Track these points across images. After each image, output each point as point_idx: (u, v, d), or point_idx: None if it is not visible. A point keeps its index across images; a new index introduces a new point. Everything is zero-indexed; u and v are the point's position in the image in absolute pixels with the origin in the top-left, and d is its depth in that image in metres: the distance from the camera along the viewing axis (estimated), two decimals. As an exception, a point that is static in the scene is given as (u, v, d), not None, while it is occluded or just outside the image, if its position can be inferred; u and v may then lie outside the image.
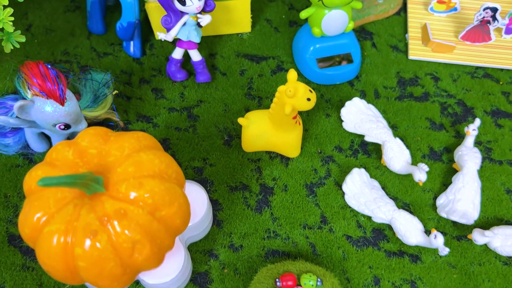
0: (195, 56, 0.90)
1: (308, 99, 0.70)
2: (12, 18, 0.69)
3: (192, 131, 0.86)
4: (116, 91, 0.86)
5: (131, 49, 0.95)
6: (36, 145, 0.81)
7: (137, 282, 0.71)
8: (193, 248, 0.74)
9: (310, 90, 0.70)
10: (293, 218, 0.77)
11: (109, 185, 0.55)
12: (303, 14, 0.85)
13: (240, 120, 0.79)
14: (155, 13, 0.92)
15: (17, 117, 0.72)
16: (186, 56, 0.91)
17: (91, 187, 0.53)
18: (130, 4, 0.86)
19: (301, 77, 0.93)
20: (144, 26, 0.98)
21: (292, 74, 0.68)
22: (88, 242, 0.52)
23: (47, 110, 0.68)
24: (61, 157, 0.57)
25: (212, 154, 0.84)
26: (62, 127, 0.70)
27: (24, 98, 0.70)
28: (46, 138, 0.83)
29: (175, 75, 0.92)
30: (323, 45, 0.90)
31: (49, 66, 0.67)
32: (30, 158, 0.82)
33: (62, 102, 0.68)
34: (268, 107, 0.88)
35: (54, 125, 0.70)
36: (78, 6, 1.03)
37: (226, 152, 0.84)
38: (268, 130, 0.79)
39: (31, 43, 0.96)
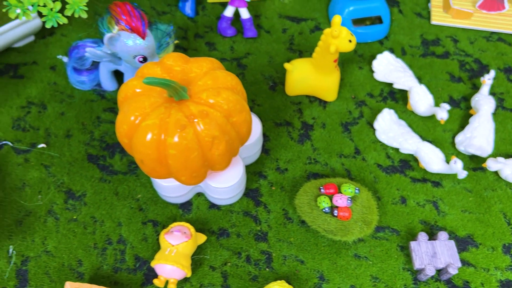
0: (245, 14, 1.02)
1: (350, 41, 0.82)
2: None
3: (241, 77, 0.99)
4: (177, 41, 0.99)
5: (186, 9, 1.08)
6: (108, 84, 0.94)
7: (199, 194, 0.83)
8: (246, 170, 0.86)
9: (351, 34, 0.82)
10: (331, 149, 0.89)
11: (192, 94, 0.68)
12: (342, -22, 0.98)
13: (286, 65, 0.91)
14: (210, -24, 1.05)
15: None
16: (235, 16, 1.04)
17: (179, 93, 0.66)
18: (191, -34, 1.00)
19: (336, 36, 1.05)
20: (197, -10, 1.11)
21: (337, 18, 0.81)
22: (178, 134, 0.64)
23: (130, 43, 0.81)
24: (151, 72, 0.69)
25: (259, 96, 0.96)
26: (141, 59, 0.83)
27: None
28: (116, 79, 0.95)
29: (225, 31, 1.05)
30: (358, 7, 1.02)
31: (135, 4, 0.80)
32: (102, 95, 0.95)
33: (143, 36, 0.80)
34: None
35: (134, 57, 0.82)
36: (138, -28, 1.16)
37: (271, 95, 0.96)
38: (310, 74, 0.91)
39: (93, 3, 1.09)
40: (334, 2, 1.07)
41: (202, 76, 0.69)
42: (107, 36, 0.79)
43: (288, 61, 1.01)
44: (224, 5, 1.11)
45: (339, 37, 0.81)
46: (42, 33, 1.03)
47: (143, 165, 0.68)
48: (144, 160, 0.67)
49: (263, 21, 1.08)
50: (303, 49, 1.03)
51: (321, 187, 0.78)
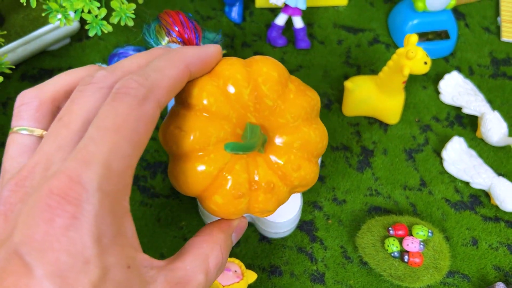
0: (298, 23, 0.94)
1: (425, 63, 0.73)
2: (152, -30, 0.75)
3: (293, 93, 0.90)
4: (225, 51, 0.91)
5: (233, 14, 1.00)
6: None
7: (249, 225, 0.76)
8: (298, 199, 0.79)
9: (427, 55, 0.74)
10: (394, 179, 0.81)
11: (269, 147, 0.50)
12: (409, -12, 0.89)
13: (346, 83, 0.83)
14: (262, -20, 0.97)
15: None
16: (286, 24, 0.95)
17: (257, 146, 0.48)
18: (243, -31, 0.91)
19: (396, 48, 0.96)
20: (245, -7, 1.03)
21: (413, 37, 0.72)
22: (230, 199, 0.49)
23: (181, 57, 0.73)
24: (237, 93, 0.48)
25: (313, 115, 0.88)
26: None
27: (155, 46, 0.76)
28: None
29: (276, 41, 0.96)
30: (422, 20, 0.93)
31: (190, 15, 0.72)
32: (143, 107, 0.88)
33: (196, 50, 0.73)
34: (367, 74, 0.92)
35: (184, 72, 0.75)
36: (181, -28, 1.08)
37: (326, 114, 0.88)
38: (373, 94, 0.83)
39: (141, 10, 1.01)
40: (395, 12, 0.98)
41: (292, 131, 0.50)
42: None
43: (345, 77, 0.92)
44: (273, 11, 1.02)
45: (414, 58, 0.72)
46: (79, 35, 0.96)
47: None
48: (181, 189, 0.51)
49: (316, 31, 0.99)
50: (361, 63, 0.94)
51: (390, 228, 0.70)
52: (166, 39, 0.73)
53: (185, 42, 0.72)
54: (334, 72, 0.93)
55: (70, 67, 0.92)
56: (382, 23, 1.01)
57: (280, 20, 0.94)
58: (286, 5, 0.91)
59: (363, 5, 1.03)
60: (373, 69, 0.93)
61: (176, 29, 0.72)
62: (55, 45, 0.94)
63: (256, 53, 0.96)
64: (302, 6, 0.90)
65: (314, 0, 1.01)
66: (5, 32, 0.83)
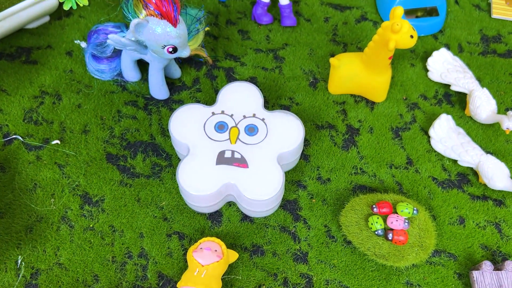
0: (284, 0, 0.91)
1: (411, 36, 0.71)
2: None
3: (278, 71, 0.88)
4: (208, 28, 0.88)
5: (217, -9, 0.97)
6: (130, 74, 0.84)
7: (230, 204, 0.74)
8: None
9: (413, 28, 0.71)
10: (380, 158, 0.79)
11: None
12: (397, -38, 0.86)
13: (332, 60, 0.80)
14: (246, -45, 0.94)
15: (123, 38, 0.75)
16: (272, 1, 0.93)
17: None
18: None
19: (385, 28, 0.94)
20: (230, -29, 1.00)
21: (398, 10, 0.70)
22: None
23: (159, 31, 0.70)
24: None
25: (298, 94, 0.86)
26: (171, 49, 0.73)
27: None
28: (140, 69, 0.85)
29: (261, 18, 0.94)
30: (411, -4, 0.91)
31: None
32: (123, 86, 0.86)
33: (175, 24, 0.70)
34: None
35: (163, 47, 0.72)
36: (164, -51, 1.05)
37: (311, 93, 0.86)
38: (359, 72, 0.80)
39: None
40: (382, -11, 0.95)
41: None
42: (133, 22, 0.69)
43: (332, 55, 0.90)
44: (259, -11, 0.99)
45: (400, 32, 0.70)
46: (58, 14, 0.93)
47: None
48: None
49: (303, 8, 0.97)
50: (348, 41, 0.92)
51: (373, 206, 0.68)
52: (144, 12, 0.70)
53: (162, 15, 0.70)
54: (320, 50, 0.91)
55: (49, 46, 0.90)
56: (370, 0, 0.98)
57: (265, -4, 0.92)
58: (271, -19, 0.89)
59: (351, -18, 1.01)
60: (360, 47, 0.91)
61: (154, 2, 0.69)
62: (34, 23, 0.91)
63: (240, 31, 0.93)
64: (287, -18, 0.88)
65: (301, -23, 0.99)
66: (-22, 7, 0.80)
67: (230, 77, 0.87)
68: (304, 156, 0.79)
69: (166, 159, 0.78)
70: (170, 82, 0.86)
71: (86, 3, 0.72)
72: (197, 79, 0.87)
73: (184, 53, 0.75)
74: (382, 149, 0.80)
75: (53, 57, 0.88)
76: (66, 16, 0.93)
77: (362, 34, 0.93)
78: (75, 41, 0.86)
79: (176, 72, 0.86)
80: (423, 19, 0.91)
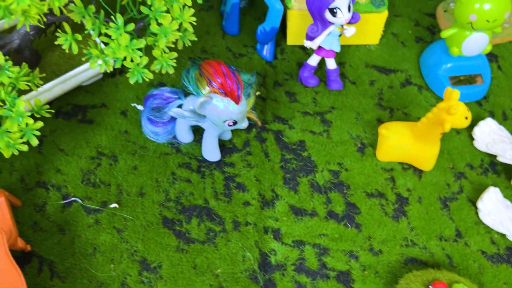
0: (331, 64, 0.94)
1: (466, 118, 0.73)
2: (194, 19, 0.75)
3: (326, 135, 0.90)
4: (258, 92, 0.91)
5: (265, 52, 1.00)
6: (185, 136, 0.87)
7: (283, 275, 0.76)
8: (333, 247, 0.78)
9: (467, 109, 0.74)
10: (429, 229, 0.81)
11: None
12: (446, 33, 0.88)
13: (382, 130, 0.83)
14: (296, 20, 0.97)
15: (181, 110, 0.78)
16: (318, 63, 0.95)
17: None
18: (278, 11, 0.91)
19: (429, 92, 0.96)
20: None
21: (455, 93, 0.72)
22: None
23: (222, 108, 0.73)
24: None
25: (346, 159, 0.88)
26: (231, 123, 0.75)
27: (193, 93, 0.76)
28: (193, 130, 0.88)
29: (308, 81, 0.96)
30: (457, 64, 0.93)
31: (231, 67, 0.73)
32: (177, 147, 0.88)
33: (238, 101, 0.73)
34: (399, 119, 0.92)
35: (224, 121, 0.75)
36: (211, 6, 1.08)
37: (359, 158, 0.88)
38: (409, 142, 0.82)
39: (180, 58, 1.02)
40: (427, 54, 0.97)
41: None
42: (199, 101, 0.71)
43: (378, 120, 0.92)
44: (304, 49, 1.02)
45: (456, 114, 0.72)
46: (112, 71, 0.96)
47: None
48: None
49: (348, 70, 0.99)
50: (394, 106, 0.94)
51: (430, 286, 0.69)
52: (207, 89, 0.73)
53: (226, 93, 0.72)
54: (367, 115, 0.93)
55: (104, 104, 0.92)
56: (414, 63, 1.00)
57: (313, 60, 0.94)
58: (320, 47, 0.91)
59: (395, 44, 1.03)
60: (406, 112, 0.93)
61: (219, 80, 0.71)
62: (89, 80, 0.94)
63: (287, 93, 0.96)
64: (337, 49, 0.90)
65: (346, 38, 1.01)
66: (43, 75, 0.83)
67: (279, 140, 0.90)
68: (356, 225, 0.81)
69: (220, 223, 0.80)
70: (221, 144, 0.88)
71: (152, 76, 0.74)
72: (247, 142, 0.90)
73: (243, 125, 0.78)
74: (431, 220, 0.82)
75: (108, 117, 0.91)
76: (120, 74, 0.97)
77: (407, 99, 0.95)
78: (132, 104, 0.89)
79: (227, 134, 0.89)
80: (468, 87, 0.93)
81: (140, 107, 0.88)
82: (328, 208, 0.82)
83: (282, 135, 0.90)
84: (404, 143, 0.83)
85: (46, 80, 0.86)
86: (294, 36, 1.01)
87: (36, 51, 0.88)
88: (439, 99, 0.95)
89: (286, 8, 0.96)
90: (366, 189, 0.84)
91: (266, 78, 0.98)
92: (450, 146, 0.89)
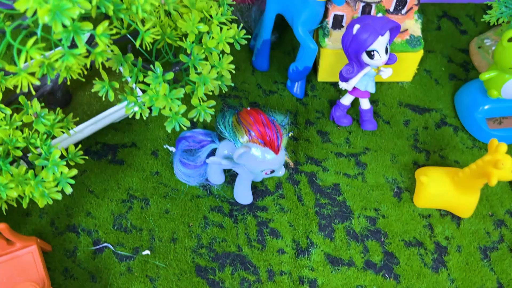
0: (365, 104, 0.92)
1: (513, 171, 0.71)
2: (233, 66, 0.73)
3: (361, 178, 0.88)
4: (291, 133, 0.89)
5: (295, 89, 0.98)
6: (217, 179, 0.85)
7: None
8: (371, 300, 0.76)
9: (514, 162, 0.71)
10: (470, 282, 0.78)
11: None
12: (485, 76, 0.86)
13: (421, 178, 0.81)
14: (328, 58, 0.95)
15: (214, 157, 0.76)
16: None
17: None
18: (312, 52, 0.89)
19: (466, 133, 0.94)
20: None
21: (502, 147, 0.70)
22: None
23: (261, 157, 0.71)
24: None
25: (383, 205, 0.85)
26: (269, 172, 0.74)
27: (227, 139, 0.74)
28: (225, 172, 0.86)
29: (340, 120, 0.94)
30: (495, 105, 0.91)
31: (272, 118, 0.71)
32: (208, 189, 0.86)
33: (277, 152, 0.71)
34: (436, 162, 0.90)
35: (262, 170, 0.73)
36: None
37: (396, 204, 0.86)
38: (449, 190, 0.80)
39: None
40: (463, 94, 0.95)
41: None
42: (238, 152, 0.70)
43: (414, 163, 0.90)
44: (335, 86, 1.00)
45: (503, 169, 0.70)
46: (140, 108, 0.95)
47: None
48: None
49: (382, 109, 0.97)
50: (429, 148, 0.92)
51: None
52: (246, 138, 0.71)
53: (266, 143, 0.70)
54: (402, 158, 0.91)
55: (134, 144, 0.91)
56: (448, 102, 0.98)
57: (346, 100, 0.92)
58: (354, 87, 0.89)
59: (428, 81, 1.01)
60: (442, 155, 0.91)
61: (258, 130, 0.70)
62: (118, 118, 0.93)
63: (320, 132, 0.94)
64: (372, 90, 0.88)
65: (378, 76, 0.99)
66: (77, 119, 0.82)
67: (313, 183, 0.88)
68: (395, 276, 0.78)
69: (254, 273, 0.78)
70: (253, 186, 0.87)
71: (189, 124, 0.73)
72: (279, 184, 0.88)
73: (280, 173, 0.76)
74: (471, 272, 0.79)
75: (138, 157, 0.89)
76: (149, 113, 0.95)
77: (443, 141, 0.93)
78: (164, 146, 0.88)
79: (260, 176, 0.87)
80: (508, 130, 0.91)
81: (172, 149, 0.87)
82: (365, 257, 0.80)
83: (316, 178, 0.88)
84: (443, 191, 0.80)
85: (77, 121, 0.85)
86: (326, 73, 0.99)
87: (68, 91, 0.87)
88: (476, 141, 0.93)
89: (319, 46, 0.94)
90: (404, 237, 0.82)
91: (298, 116, 0.96)
92: (488, 192, 0.87)
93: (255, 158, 0.71)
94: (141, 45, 0.82)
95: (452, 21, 1.10)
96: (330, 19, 0.91)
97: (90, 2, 0.55)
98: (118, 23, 0.72)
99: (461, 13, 1.11)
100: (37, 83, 0.58)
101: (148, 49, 0.71)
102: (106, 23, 0.58)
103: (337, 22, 0.91)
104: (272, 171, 0.74)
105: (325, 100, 0.99)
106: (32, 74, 0.60)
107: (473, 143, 0.93)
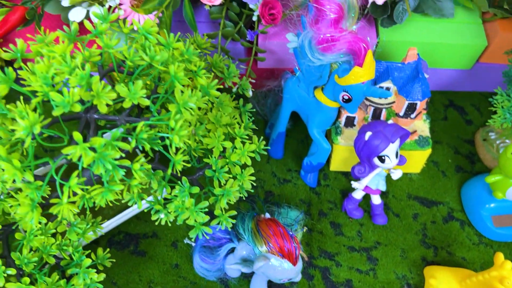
0: (376, 200, 0.96)
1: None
2: (254, 178, 0.78)
3: (372, 274, 0.92)
4: (306, 228, 0.93)
5: (308, 179, 1.03)
6: (233, 273, 0.89)
7: None
8: None
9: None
10: None
11: None
12: (490, 179, 0.91)
13: (431, 281, 0.84)
14: (340, 153, 1.00)
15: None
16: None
17: None
18: (326, 151, 0.94)
19: (472, 228, 0.98)
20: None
21: (508, 264, 0.74)
22: None
23: (279, 267, 0.75)
24: None
25: (393, 302, 0.89)
26: (286, 280, 0.78)
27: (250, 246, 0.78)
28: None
29: (352, 213, 0.99)
30: (501, 204, 0.95)
31: (289, 231, 0.75)
32: (225, 283, 0.90)
33: (295, 263, 0.75)
34: (444, 259, 0.94)
35: (280, 279, 0.77)
36: (256, 128, 1.12)
37: (406, 301, 0.89)
38: (456, 291, 0.84)
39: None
40: (469, 190, 1.00)
41: None
42: (257, 264, 0.74)
43: (423, 259, 0.94)
44: (347, 175, 1.05)
45: (509, 287, 0.74)
46: (161, 195, 1.00)
47: None
48: None
49: (391, 201, 1.02)
50: (437, 244, 0.96)
51: None
52: (264, 248, 0.76)
53: (284, 256, 0.75)
54: (412, 253, 0.95)
55: (155, 234, 0.96)
56: (455, 195, 1.03)
57: (358, 194, 0.97)
58: (366, 186, 0.94)
59: (435, 173, 1.06)
60: (450, 252, 0.95)
61: (277, 243, 0.74)
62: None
63: (332, 224, 0.98)
64: (383, 188, 0.93)
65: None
66: (105, 221, 0.87)
67: (327, 279, 0.91)
68: None
69: None
70: (269, 282, 0.90)
71: (211, 231, 0.77)
72: (294, 278, 0.92)
73: (297, 279, 0.80)
74: None
75: (159, 248, 0.94)
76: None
77: (450, 237, 0.97)
78: (185, 241, 0.92)
79: (275, 270, 0.91)
80: (512, 227, 0.95)
81: (192, 243, 0.91)
82: None
83: (330, 273, 0.92)
84: (451, 293, 0.84)
85: (103, 217, 0.90)
86: (338, 165, 1.04)
87: (95, 186, 0.92)
88: (482, 236, 0.97)
89: (331, 142, 0.99)
90: (414, 337, 0.85)
91: (311, 206, 1.01)
92: (495, 291, 0.90)
93: (274, 268, 0.76)
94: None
95: (458, 111, 1.15)
96: (342, 120, 0.97)
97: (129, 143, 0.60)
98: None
99: (466, 102, 1.16)
100: (77, 211, 0.63)
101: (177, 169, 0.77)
102: (141, 157, 0.64)
103: (349, 121, 0.97)
104: (290, 279, 0.78)
105: (337, 190, 1.03)
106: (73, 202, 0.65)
107: (479, 239, 0.97)
